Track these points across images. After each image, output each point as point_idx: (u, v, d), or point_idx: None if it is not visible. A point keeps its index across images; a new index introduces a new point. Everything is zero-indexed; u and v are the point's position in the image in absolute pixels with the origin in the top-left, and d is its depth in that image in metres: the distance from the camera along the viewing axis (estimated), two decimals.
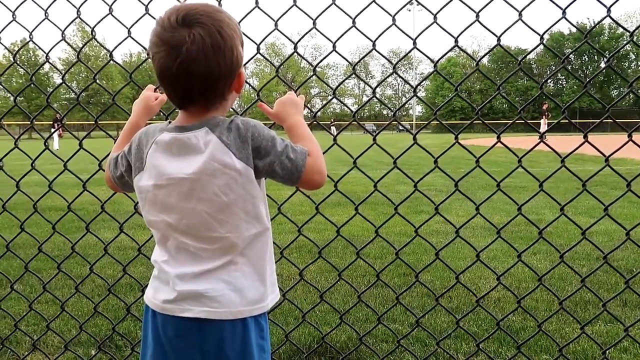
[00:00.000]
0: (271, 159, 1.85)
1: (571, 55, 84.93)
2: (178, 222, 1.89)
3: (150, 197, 1.92)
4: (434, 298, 3.47)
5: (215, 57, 1.77)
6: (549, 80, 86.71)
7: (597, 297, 3.28)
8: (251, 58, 3.25)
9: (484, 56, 3.55)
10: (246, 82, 3.32)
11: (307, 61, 3.32)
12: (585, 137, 2.82)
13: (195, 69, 1.76)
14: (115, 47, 3.25)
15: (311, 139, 2.06)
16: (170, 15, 1.78)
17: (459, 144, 3.00)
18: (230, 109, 2.06)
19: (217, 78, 1.81)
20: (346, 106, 3.57)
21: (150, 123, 2.21)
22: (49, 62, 3.39)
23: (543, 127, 37.23)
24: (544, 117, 40.98)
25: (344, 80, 3.39)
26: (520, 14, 2.85)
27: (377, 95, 3.07)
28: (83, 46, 3.66)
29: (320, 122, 3.39)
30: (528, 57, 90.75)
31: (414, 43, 2.98)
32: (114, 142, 2.33)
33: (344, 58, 3.20)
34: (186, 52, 1.74)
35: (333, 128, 63.16)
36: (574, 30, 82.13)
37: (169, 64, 1.77)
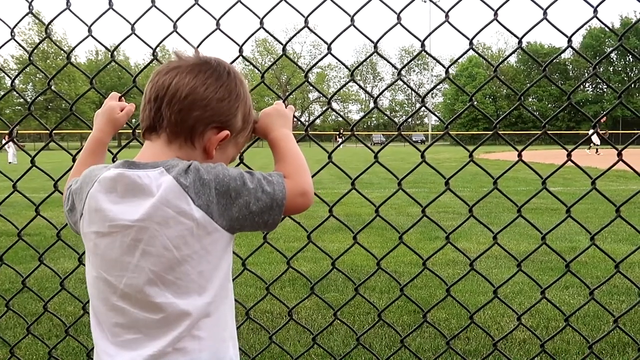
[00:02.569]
0: (245, 199, 1.81)
1: (613, 54, 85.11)
2: (118, 281, 1.81)
3: (91, 247, 1.87)
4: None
5: (209, 81, 1.85)
6: (586, 84, 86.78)
7: (632, 339, 3.30)
8: (233, 60, 3.29)
9: (501, 62, 3.58)
10: None
11: (299, 66, 3.35)
12: (619, 155, 2.86)
13: (181, 82, 1.83)
14: (73, 48, 3.29)
15: (294, 155, 2.06)
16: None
17: (474, 162, 3.03)
18: None
19: (195, 104, 1.83)
20: (343, 118, 3.60)
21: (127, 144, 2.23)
22: None
23: (597, 140, 37.29)
24: (597, 128, 41.00)
25: (340, 88, 3.42)
26: (545, 13, 2.89)
27: (387, 100, 3.11)
28: (35, 47, 3.68)
29: (319, 134, 3.41)
30: (563, 57, 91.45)
31: (422, 45, 3.02)
32: (73, 157, 2.34)
33: (341, 62, 3.24)
34: (182, 65, 1.87)
35: (340, 140, 63.11)
36: (617, 25, 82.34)
37: (161, 75, 1.88)
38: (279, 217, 1.88)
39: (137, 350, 1.79)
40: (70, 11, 3.16)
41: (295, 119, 2.31)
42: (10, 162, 32.69)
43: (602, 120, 41.44)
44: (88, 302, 3.62)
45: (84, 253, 3.47)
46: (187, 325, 1.78)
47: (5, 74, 4.15)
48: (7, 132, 34.26)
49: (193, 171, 1.78)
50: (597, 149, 39.39)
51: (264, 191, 1.84)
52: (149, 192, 1.76)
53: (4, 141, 34.13)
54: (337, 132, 67.75)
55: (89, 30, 3.12)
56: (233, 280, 3.58)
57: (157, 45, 3.06)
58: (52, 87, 3.29)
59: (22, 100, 76.37)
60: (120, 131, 2.45)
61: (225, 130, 1.88)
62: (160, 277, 1.77)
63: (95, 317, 1.90)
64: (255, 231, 1.91)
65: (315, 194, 3.23)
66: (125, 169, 1.82)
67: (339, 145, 3.45)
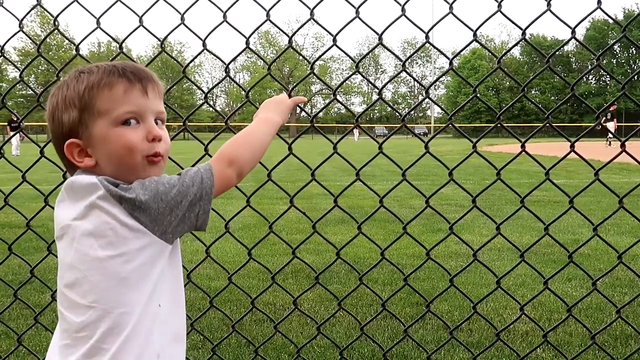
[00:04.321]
0: (177, 199, 1.80)
1: (616, 46, 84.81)
2: (60, 281, 1.84)
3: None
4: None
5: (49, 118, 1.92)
6: (589, 76, 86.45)
7: (635, 330, 3.32)
8: (239, 53, 3.31)
9: (505, 54, 3.59)
10: (233, 79, 3.38)
11: (305, 57, 3.37)
12: (622, 146, 2.87)
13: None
14: (81, 40, 3.31)
15: (247, 132, 2.07)
16: None
17: (478, 153, 3.05)
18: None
19: (53, 136, 1.91)
20: (348, 109, 3.62)
21: None
22: (4, 57, 3.43)
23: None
24: (614, 120, 40.57)
25: (344, 80, 3.43)
26: (548, 4, 2.90)
27: (390, 93, 3.12)
28: (43, 40, 3.71)
29: (322, 126, 3.43)
30: (566, 49, 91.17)
31: (427, 37, 3.04)
32: None
33: (346, 54, 3.26)
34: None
35: (356, 132, 62.68)
36: (620, 17, 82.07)
37: None
38: (209, 205, 1.85)
39: (64, 358, 1.80)
40: (79, 3, 3.18)
41: (299, 109, 2.33)
42: (12, 154, 32.67)
43: (612, 108, 40.93)
44: None
45: None
46: (101, 334, 1.75)
47: (14, 65, 4.17)
48: (8, 123, 34.22)
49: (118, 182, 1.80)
50: (610, 142, 39.08)
51: (194, 184, 1.83)
52: (82, 193, 1.78)
53: (12, 133, 34.04)
54: (355, 124, 66.99)
55: (98, 23, 3.14)
56: (237, 271, 3.62)
57: (165, 38, 3.08)
58: (61, 80, 3.30)
59: (24, 92, 76.44)
60: None
61: (70, 139, 1.87)
62: (85, 276, 1.75)
63: None
64: (189, 231, 1.87)
65: (319, 184, 3.27)
66: (70, 177, 1.87)
67: (346, 134, 3.45)
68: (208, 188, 1.84)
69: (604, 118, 40.26)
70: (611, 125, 39.58)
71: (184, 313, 1.97)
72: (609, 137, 39.29)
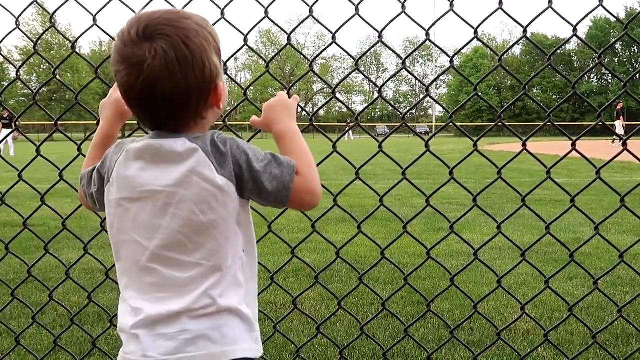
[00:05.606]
0: (253, 175, 1.88)
1: (618, 45, 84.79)
2: (149, 242, 1.89)
3: (120, 212, 1.94)
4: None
5: (183, 72, 1.79)
6: (591, 75, 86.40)
7: (637, 329, 3.31)
8: (237, 51, 3.29)
9: (506, 51, 3.58)
10: (233, 79, 3.36)
11: (304, 55, 3.35)
12: (624, 145, 2.85)
13: (161, 87, 1.79)
14: (78, 37, 3.29)
15: (301, 151, 2.06)
16: (130, 27, 1.83)
17: (479, 151, 3.03)
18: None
19: (188, 95, 1.84)
20: (348, 108, 3.61)
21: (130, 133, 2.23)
22: (2, 55, 3.41)
23: (620, 130, 36.81)
24: (620, 118, 40.44)
25: (345, 78, 3.42)
26: (550, 1, 2.89)
27: (392, 92, 3.10)
28: (40, 36, 3.69)
29: (323, 125, 3.41)
30: (568, 48, 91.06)
31: (427, 34, 3.02)
32: (78, 147, 2.34)
33: (345, 51, 3.24)
34: (148, 70, 1.78)
35: (350, 132, 62.55)
36: (622, 15, 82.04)
37: (132, 83, 1.82)
38: (286, 198, 1.94)
39: (164, 306, 1.87)
40: (76, 1, 3.16)
41: (300, 109, 2.31)
42: (11, 155, 32.58)
43: (619, 107, 40.63)
44: (93, 292, 3.62)
45: (89, 243, 3.47)
46: (210, 284, 1.88)
47: (11, 63, 4.16)
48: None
49: (212, 144, 1.87)
50: (619, 139, 38.75)
51: (272, 174, 1.90)
52: (177, 158, 1.85)
53: (6, 131, 33.84)
54: (346, 123, 66.31)
55: (94, 20, 3.12)
56: None
57: None
58: (58, 77, 3.29)
59: (26, 91, 76.38)
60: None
61: (218, 85, 1.92)
62: (189, 238, 1.87)
63: (125, 278, 1.99)
64: (265, 205, 1.99)
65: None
66: (150, 139, 1.90)
67: (343, 135, 3.45)
68: (287, 183, 1.93)
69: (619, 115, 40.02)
70: (618, 124, 39.37)
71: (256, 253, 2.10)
72: (621, 135, 38.87)
